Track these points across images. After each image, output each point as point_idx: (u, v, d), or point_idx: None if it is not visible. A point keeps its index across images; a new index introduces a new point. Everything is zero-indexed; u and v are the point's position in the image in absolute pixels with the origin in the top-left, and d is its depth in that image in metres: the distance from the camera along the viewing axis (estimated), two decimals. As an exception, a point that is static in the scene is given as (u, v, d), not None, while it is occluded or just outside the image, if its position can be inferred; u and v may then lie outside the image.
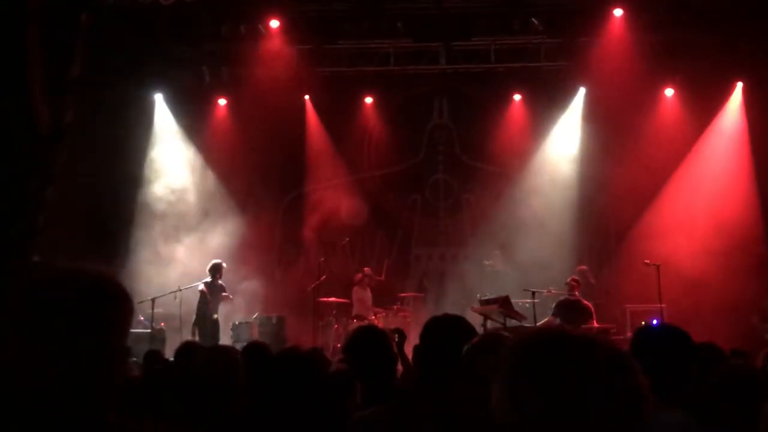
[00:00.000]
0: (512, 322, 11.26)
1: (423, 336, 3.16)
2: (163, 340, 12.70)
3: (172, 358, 7.89)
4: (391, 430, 2.84)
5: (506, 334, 3.18)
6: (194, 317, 12.71)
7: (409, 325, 13.22)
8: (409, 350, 6.00)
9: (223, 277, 13.08)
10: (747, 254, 13.35)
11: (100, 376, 1.67)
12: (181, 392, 3.88)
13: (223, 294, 13.03)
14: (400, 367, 5.50)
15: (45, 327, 1.63)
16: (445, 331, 3.10)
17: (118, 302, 1.74)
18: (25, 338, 1.63)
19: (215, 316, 12.83)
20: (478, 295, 13.14)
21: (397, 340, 5.29)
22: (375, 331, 4.30)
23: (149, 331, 12.79)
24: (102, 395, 1.68)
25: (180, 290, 13.01)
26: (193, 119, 15.48)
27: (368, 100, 15.75)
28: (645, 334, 3.33)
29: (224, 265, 13.06)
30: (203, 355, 4.08)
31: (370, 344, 4.09)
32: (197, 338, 12.07)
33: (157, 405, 3.96)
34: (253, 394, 3.00)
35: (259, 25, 14.29)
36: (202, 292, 12.83)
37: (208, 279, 12.91)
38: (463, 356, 2.77)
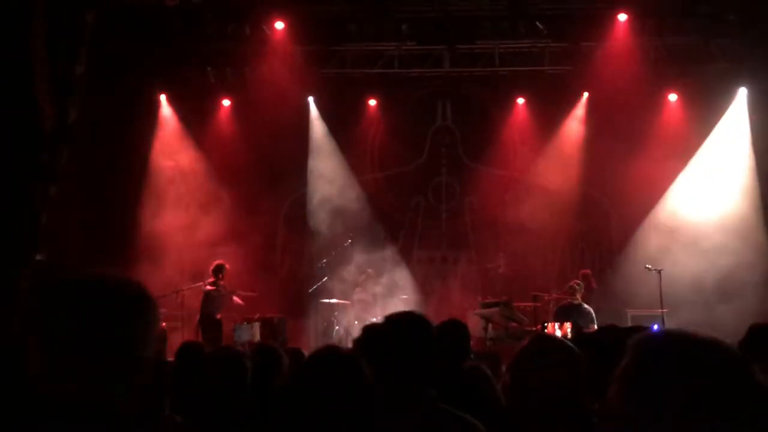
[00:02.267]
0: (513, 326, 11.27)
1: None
2: (164, 340, 12.69)
3: (171, 359, 7.93)
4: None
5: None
6: (198, 317, 12.71)
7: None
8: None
9: (225, 278, 13.07)
10: (749, 260, 13.35)
11: (128, 384, 1.68)
12: (187, 392, 3.90)
13: (235, 297, 13.06)
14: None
15: (74, 335, 1.63)
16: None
17: (148, 311, 1.77)
18: (53, 347, 1.64)
19: (218, 316, 12.83)
20: (480, 298, 13.15)
21: None
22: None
23: (151, 330, 12.78)
24: (129, 403, 1.68)
25: (182, 290, 13.02)
26: (198, 119, 15.49)
27: (372, 102, 15.76)
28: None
29: (227, 266, 13.04)
30: (211, 356, 4.09)
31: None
32: (200, 338, 12.06)
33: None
34: (288, 394, 2.98)
35: (264, 26, 14.31)
36: (206, 292, 12.82)
37: (212, 279, 12.90)
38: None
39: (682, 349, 1.43)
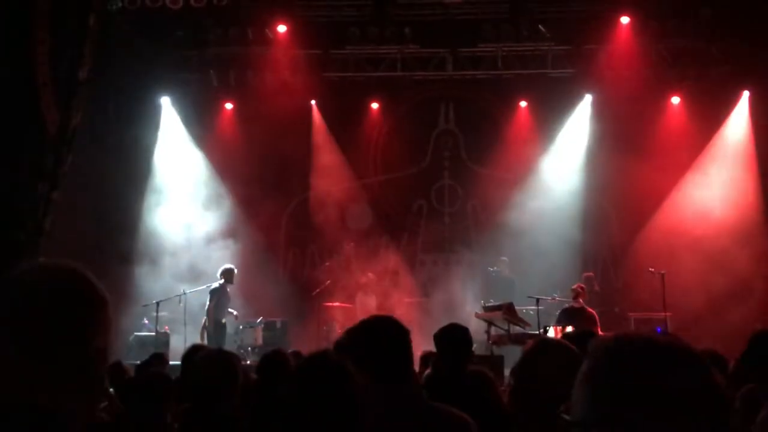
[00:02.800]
0: (516, 329, 11.26)
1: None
2: (167, 344, 12.71)
3: (174, 361, 7.93)
4: None
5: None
6: (204, 320, 12.64)
7: (413, 331, 13.19)
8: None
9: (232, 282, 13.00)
10: (752, 263, 13.33)
11: (78, 380, 1.62)
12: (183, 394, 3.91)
13: (229, 310, 12.91)
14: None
15: (17, 333, 1.59)
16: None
17: (92, 303, 1.69)
18: (12, 339, 1.59)
19: (223, 320, 12.79)
20: (483, 302, 13.13)
21: None
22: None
23: (153, 334, 12.80)
24: (81, 399, 1.64)
25: (185, 294, 13.00)
26: (200, 123, 15.51)
27: (374, 105, 15.77)
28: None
29: (235, 270, 12.94)
30: (203, 358, 4.10)
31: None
32: (206, 341, 12.01)
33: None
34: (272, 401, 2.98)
35: (267, 30, 14.34)
36: (213, 295, 12.72)
37: (220, 283, 12.81)
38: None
39: (640, 353, 1.42)
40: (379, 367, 2.87)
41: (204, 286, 12.89)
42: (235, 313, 13.00)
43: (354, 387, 2.55)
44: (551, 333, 10.71)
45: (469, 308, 13.43)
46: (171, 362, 8.03)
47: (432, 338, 4.77)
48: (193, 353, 4.84)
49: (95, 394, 1.70)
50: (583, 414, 1.43)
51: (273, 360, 4.83)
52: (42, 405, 1.56)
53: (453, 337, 4.63)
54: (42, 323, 1.60)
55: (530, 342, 3.03)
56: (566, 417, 1.56)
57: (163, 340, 12.79)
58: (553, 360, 2.81)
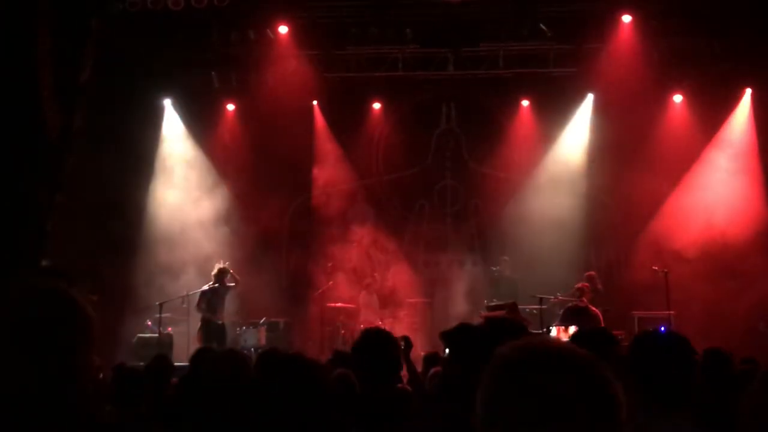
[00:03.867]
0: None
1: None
2: (170, 345, 12.72)
3: (177, 363, 7.92)
4: None
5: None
6: (200, 323, 12.67)
7: (417, 331, 13.23)
8: (415, 355, 6.02)
9: (229, 282, 13.04)
10: (755, 261, 13.31)
11: (63, 391, 1.71)
12: (194, 395, 3.91)
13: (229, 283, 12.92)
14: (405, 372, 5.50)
15: (4, 346, 1.70)
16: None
17: (74, 320, 1.78)
18: None
19: (220, 321, 12.79)
20: (486, 301, 13.14)
21: (403, 347, 5.31)
22: (383, 334, 4.28)
23: (157, 335, 12.81)
24: (66, 409, 1.72)
25: (187, 295, 13.02)
26: (202, 124, 15.53)
27: (376, 105, 15.77)
28: (644, 341, 3.28)
29: (231, 270, 13.00)
30: (212, 359, 4.10)
31: (377, 347, 4.07)
32: (201, 343, 11.99)
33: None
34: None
35: (268, 31, 14.33)
36: (200, 297, 12.74)
37: (214, 284, 12.83)
38: None
39: (534, 360, 1.44)
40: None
41: (206, 287, 12.91)
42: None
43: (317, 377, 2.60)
44: (554, 332, 10.71)
45: (472, 308, 13.44)
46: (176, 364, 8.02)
47: (433, 338, 4.76)
48: (202, 354, 4.85)
49: (80, 405, 1.77)
50: (479, 418, 1.45)
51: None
52: (27, 413, 1.66)
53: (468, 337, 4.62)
54: (25, 338, 1.71)
55: None
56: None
57: (166, 341, 12.79)
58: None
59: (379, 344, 4.06)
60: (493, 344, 2.96)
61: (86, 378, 1.79)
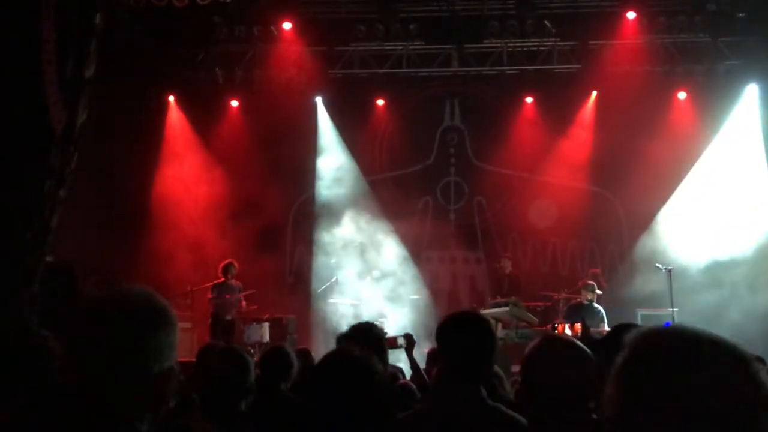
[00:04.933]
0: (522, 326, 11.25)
1: (437, 336, 3.15)
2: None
3: (181, 359, 7.94)
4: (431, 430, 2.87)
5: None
6: (210, 319, 12.70)
7: (420, 328, 13.22)
8: (420, 352, 6.02)
9: (235, 277, 13.06)
10: (762, 258, 13.29)
11: (148, 392, 1.76)
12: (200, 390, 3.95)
13: (237, 296, 12.99)
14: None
15: (100, 344, 1.74)
16: (460, 330, 3.10)
17: (166, 325, 1.84)
18: (83, 353, 1.75)
19: (228, 317, 12.81)
20: (489, 298, 13.14)
21: (405, 345, 5.32)
22: (365, 325, 4.29)
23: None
24: (148, 410, 1.78)
25: (191, 291, 13.04)
26: (206, 120, 15.53)
27: (380, 102, 15.76)
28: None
29: (236, 265, 13.02)
30: (217, 354, 4.13)
31: (359, 335, 4.09)
32: (210, 338, 12.03)
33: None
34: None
35: (272, 27, 14.34)
36: (212, 292, 12.81)
37: (221, 280, 12.87)
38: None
39: (682, 346, 1.38)
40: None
41: (210, 284, 12.94)
42: (244, 302, 13.06)
43: (375, 380, 2.59)
44: (559, 330, 10.70)
45: (475, 305, 13.43)
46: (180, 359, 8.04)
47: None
48: (207, 350, 4.87)
49: (160, 406, 1.82)
50: (622, 408, 1.40)
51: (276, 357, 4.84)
52: (114, 411, 1.72)
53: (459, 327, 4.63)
54: (121, 338, 1.76)
55: (537, 339, 3.03)
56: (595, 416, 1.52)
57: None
58: (560, 357, 2.81)
59: (360, 333, 4.07)
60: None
61: (170, 381, 1.83)
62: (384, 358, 4.08)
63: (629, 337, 1.46)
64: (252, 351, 12.43)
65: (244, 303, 13.07)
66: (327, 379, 2.64)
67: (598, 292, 11.72)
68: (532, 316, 11.70)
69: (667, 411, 1.34)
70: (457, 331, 3.07)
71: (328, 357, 2.78)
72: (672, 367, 1.36)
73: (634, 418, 1.37)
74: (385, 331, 4.54)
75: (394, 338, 5.32)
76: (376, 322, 4.45)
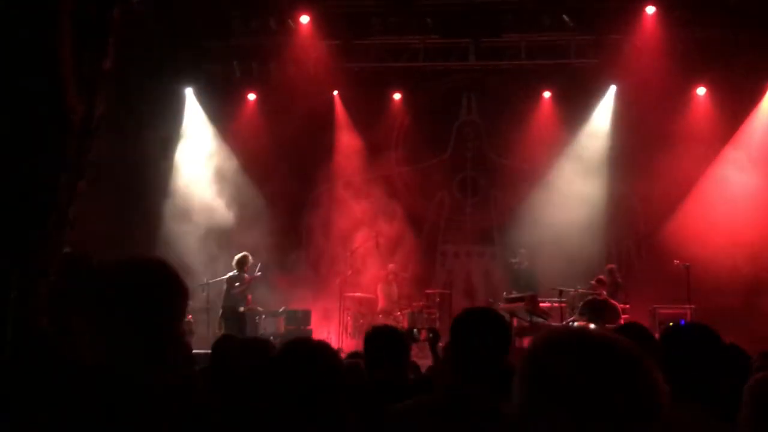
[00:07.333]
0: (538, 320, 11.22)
1: (452, 331, 3.16)
2: (191, 332, 12.79)
3: (196, 351, 7.98)
4: (427, 425, 2.86)
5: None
6: (220, 311, 12.74)
7: (435, 322, 13.23)
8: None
9: (250, 270, 13.07)
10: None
11: (158, 356, 1.82)
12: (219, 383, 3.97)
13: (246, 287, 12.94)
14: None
15: (109, 314, 1.82)
16: (473, 325, 3.09)
17: (174, 289, 1.90)
18: (92, 324, 1.83)
19: (241, 309, 12.84)
20: (505, 293, 13.11)
21: (431, 337, 5.35)
22: (390, 330, 4.37)
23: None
24: (160, 372, 1.83)
25: (207, 283, 13.10)
26: (223, 114, 15.58)
27: (397, 96, 15.74)
28: (676, 332, 3.27)
29: (250, 258, 13.01)
30: (238, 347, 4.15)
31: (385, 341, 4.18)
32: (223, 331, 12.06)
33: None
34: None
35: (290, 20, 14.35)
36: (226, 284, 12.82)
37: (235, 272, 12.90)
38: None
39: (577, 349, 1.43)
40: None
41: (225, 276, 12.97)
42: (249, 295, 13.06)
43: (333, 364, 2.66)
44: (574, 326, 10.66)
45: (491, 300, 13.42)
46: (195, 351, 8.08)
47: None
48: (223, 342, 4.87)
49: (172, 369, 1.90)
50: (522, 408, 1.45)
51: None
52: (125, 375, 1.77)
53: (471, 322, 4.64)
54: (129, 305, 1.83)
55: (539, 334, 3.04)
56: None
57: (186, 329, 12.86)
58: (479, 318, 3.00)
59: (384, 338, 4.19)
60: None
61: (180, 344, 1.93)
62: (402, 361, 4.14)
63: (531, 339, 1.51)
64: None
65: (249, 297, 13.03)
66: (285, 368, 2.69)
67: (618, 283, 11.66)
68: (547, 311, 11.67)
69: (560, 411, 1.38)
70: (472, 327, 3.07)
71: (287, 346, 2.86)
72: (566, 368, 1.40)
73: (532, 417, 1.42)
74: (402, 327, 4.63)
75: (411, 332, 5.36)
76: (391, 320, 4.57)
